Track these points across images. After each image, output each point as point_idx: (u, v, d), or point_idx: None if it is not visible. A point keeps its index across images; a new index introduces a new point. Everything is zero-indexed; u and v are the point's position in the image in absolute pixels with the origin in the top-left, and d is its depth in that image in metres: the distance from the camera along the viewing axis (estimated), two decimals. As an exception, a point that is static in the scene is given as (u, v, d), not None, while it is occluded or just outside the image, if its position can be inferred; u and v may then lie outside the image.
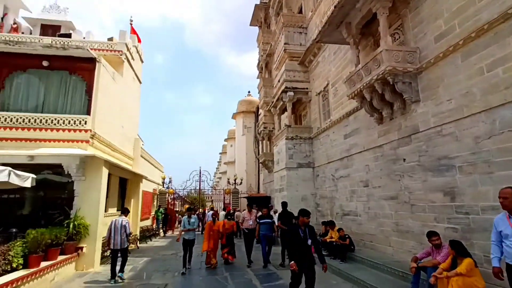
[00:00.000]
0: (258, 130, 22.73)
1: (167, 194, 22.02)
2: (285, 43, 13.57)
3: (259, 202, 15.83)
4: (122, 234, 7.30)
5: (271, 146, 19.03)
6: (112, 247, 7.31)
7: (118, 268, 7.44)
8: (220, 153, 58.03)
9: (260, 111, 21.39)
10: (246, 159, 27.22)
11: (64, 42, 12.25)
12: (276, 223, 9.61)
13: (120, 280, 7.30)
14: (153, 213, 19.10)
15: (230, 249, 9.66)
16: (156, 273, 8.18)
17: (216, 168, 67.82)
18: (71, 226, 8.05)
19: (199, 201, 28.73)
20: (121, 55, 13.13)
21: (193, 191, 28.32)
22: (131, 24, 15.16)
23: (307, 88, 13.61)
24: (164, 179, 22.67)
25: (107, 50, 13.04)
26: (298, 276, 4.73)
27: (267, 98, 18.23)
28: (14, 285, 5.59)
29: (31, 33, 14.68)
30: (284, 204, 9.61)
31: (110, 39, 14.19)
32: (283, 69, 13.84)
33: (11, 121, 9.09)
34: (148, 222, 17.38)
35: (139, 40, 15.52)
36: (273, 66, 17.06)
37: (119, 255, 7.42)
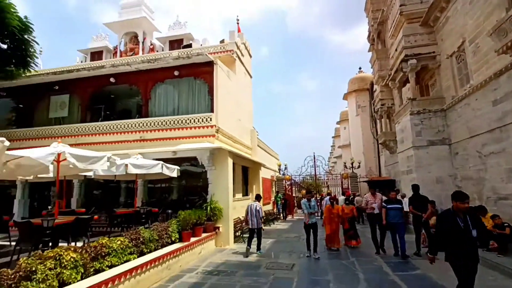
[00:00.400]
0: (374, 109, 20.84)
1: (283, 180, 22.98)
2: (400, 5, 11.81)
3: (382, 186, 14.60)
4: (258, 217, 8.53)
5: (391, 124, 17.14)
6: (250, 227, 8.65)
7: (252, 246, 8.49)
8: (333, 137, 56.45)
9: (375, 87, 19.50)
10: (362, 140, 25.46)
11: (187, 52, 14.25)
12: (406, 209, 8.60)
13: (257, 255, 8.39)
14: (272, 198, 20.33)
15: (353, 233, 9.30)
16: (282, 253, 8.67)
17: (330, 152, 66.30)
18: (208, 209, 9.42)
19: (315, 187, 28.77)
20: (232, 54, 14.29)
21: (308, 177, 28.55)
22: (237, 23, 16.29)
23: (433, 52, 11.50)
24: (280, 166, 23.74)
25: (220, 52, 14.43)
26: (465, 278, 3.69)
27: (383, 71, 16.40)
28: (175, 254, 6.98)
29: (162, 50, 17.71)
30: (416, 187, 8.44)
31: (222, 41, 15.64)
32: (400, 35, 12.09)
33: (157, 124, 11.26)
34: (269, 207, 18.63)
35: (240, 30, 16.25)
36: (387, 34, 15.16)
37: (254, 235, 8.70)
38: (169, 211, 9.07)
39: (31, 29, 11.26)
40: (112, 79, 12.19)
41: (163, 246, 6.97)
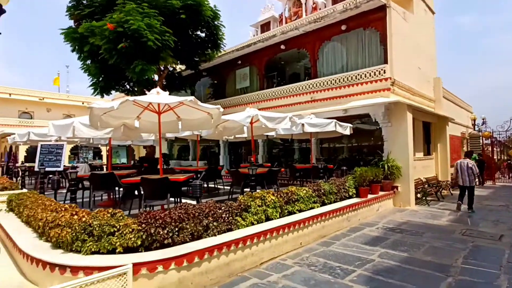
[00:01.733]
0: None
1: (480, 137, 18.49)
2: None
3: None
4: (470, 175, 8.28)
5: None
6: (460, 184, 8.50)
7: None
8: None
9: None
10: None
11: (354, 1, 13.23)
12: None
13: (469, 214, 8.20)
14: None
15: None
16: (483, 221, 7.29)
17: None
18: (385, 167, 8.99)
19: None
20: (408, -10, 12.11)
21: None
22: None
23: None
24: (474, 120, 19.17)
25: (393, -8, 12.50)
26: None
27: None
28: (354, 208, 7.25)
29: (325, 6, 17.19)
30: None
31: (393, -22, 13.43)
32: None
33: (327, 83, 11.40)
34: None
35: None
36: None
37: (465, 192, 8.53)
38: (344, 167, 9.32)
39: (219, 16, 13.68)
40: (282, 46, 13.18)
41: (341, 199, 7.37)
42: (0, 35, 2.86)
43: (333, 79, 11.23)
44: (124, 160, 26.02)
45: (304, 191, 6.34)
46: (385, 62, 9.96)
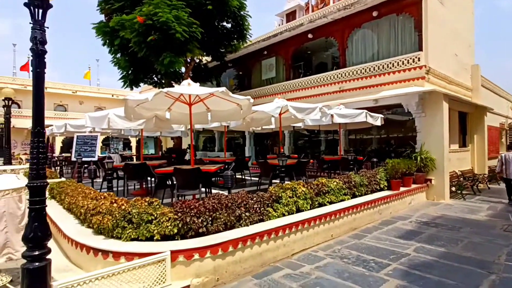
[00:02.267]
0: None
1: (521, 128, 17.27)
2: None
3: None
4: None
5: None
6: (504, 177, 8.49)
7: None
8: None
9: None
10: None
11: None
12: None
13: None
14: (501, 152, 15.85)
15: None
16: (527, 219, 6.83)
17: None
18: (418, 159, 8.63)
19: None
20: (445, -29, 11.33)
21: None
22: None
23: None
24: (514, 110, 17.90)
25: (428, -26, 11.75)
26: None
27: None
28: (385, 201, 7.05)
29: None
30: None
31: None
32: None
33: (357, 73, 11.02)
34: (495, 162, 14.71)
35: None
36: None
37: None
38: (375, 159, 9.05)
39: (245, 6, 13.53)
40: (309, 35, 12.86)
41: (372, 191, 7.19)
42: (48, 29, 2.95)
43: (363, 68, 10.83)
44: (152, 151, 26.93)
45: (335, 183, 6.24)
46: (420, 49, 9.44)
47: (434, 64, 9.59)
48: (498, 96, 16.28)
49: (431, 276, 3.92)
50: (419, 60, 9.33)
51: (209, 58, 16.38)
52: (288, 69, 14.47)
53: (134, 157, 17.70)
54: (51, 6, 2.89)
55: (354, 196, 6.60)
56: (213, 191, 6.90)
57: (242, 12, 13.68)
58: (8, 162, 8.91)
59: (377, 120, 8.88)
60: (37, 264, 2.59)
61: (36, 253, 2.61)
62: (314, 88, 12.66)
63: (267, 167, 7.90)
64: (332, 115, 8.50)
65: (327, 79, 12.08)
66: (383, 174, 7.69)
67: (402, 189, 7.83)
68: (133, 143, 27.47)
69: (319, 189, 5.86)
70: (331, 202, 5.95)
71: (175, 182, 5.97)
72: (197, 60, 15.83)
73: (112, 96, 32.11)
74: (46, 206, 2.78)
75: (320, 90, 12.35)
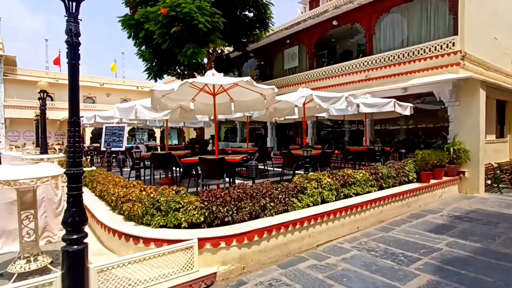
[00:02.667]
0: None
1: None
2: None
3: None
4: None
5: None
6: None
7: None
8: None
9: None
10: None
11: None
12: None
13: None
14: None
15: None
16: None
17: None
18: (451, 150, 8.21)
19: None
20: None
21: None
22: None
23: None
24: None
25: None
26: None
27: None
28: (414, 193, 6.79)
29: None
30: None
31: None
32: None
33: (384, 60, 10.57)
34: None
35: None
36: None
37: None
38: (403, 150, 8.71)
39: (267, -7, 13.28)
40: (334, 22, 12.44)
41: (400, 184, 6.94)
42: (81, 21, 3.00)
43: (391, 55, 10.35)
44: (175, 142, 27.54)
45: (361, 174, 6.08)
46: (455, 33, 8.84)
47: (470, 49, 8.98)
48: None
49: (466, 272, 3.74)
50: (453, 45, 8.76)
51: (231, 49, 16.33)
52: (311, 58, 14.14)
53: (159, 147, 18.17)
54: (84, -2, 2.94)
55: (381, 188, 6.41)
56: (237, 181, 6.96)
57: (264, 1, 13.46)
58: (44, 151, 9.43)
59: (406, 109, 8.51)
60: (75, 247, 2.71)
61: (75, 236, 2.73)
62: (338, 77, 12.31)
63: (291, 157, 7.83)
64: (358, 105, 8.23)
65: (352, 68, 11.68)
66: (412, 166, 7.39)
67: (432, 181, 7.50)
68: (157, 134, 28.17)
69: (345, 180, 5.73)
70: (357, 194, 5.81)
71: (199, 172, 6.06)
72: (219, 51, 15.83)
73: (137, 88, 32.95)
74: (83, 192, 2.89)
75: (345, 79, 11.98)
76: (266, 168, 10.64)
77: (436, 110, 10.22)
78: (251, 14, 14.24)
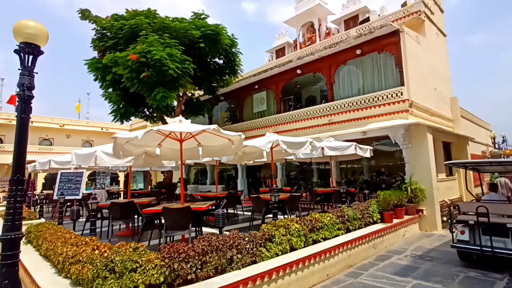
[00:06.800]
0: None
1: (502, 156, 17.80)
2: None
3: None
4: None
5: None
6: None
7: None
8: None
9: None
10: None
11: (368, 27, 13.44)
12: None
13: None
14: (486, 179, 16.19)
15: None
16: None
17: None
18: (409, 190, 8.68)
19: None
20: (419, 15, 12.22)
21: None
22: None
23: None
24: (494, 138, 18.58)
25: (404, 17, 12.72)
26: None
27: None
28: (379, 234, 6.94)
29: (338, 32, 17.53)
30: None
31: (404, 4, 13.69)
32: None
33: (344, 106, 11.36)
34: (479, 190, 14.94)
35: None
36: None
37: None
38: (366, 191, 9.05)
39: (236, 43, 14.13)
40: (298, 71, 13.36)
41: (366, 225, 7.09)
42: (37, 74, 2.95)
43: (350, 102, 11.19)
44: (141, 185, 26.21)
45: (328, 218, 6.14)
46: (402, 84, 9.90)
47: (416, 98, 10.01)
48: (477, 126, 16.97)
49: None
50: (401, 94, 9.74)
51: (201, 92, 16.70)
52: (278, 103, 14.82)
53: (122, 192, 17.18)
54: (42, 53, 2.91)
55: (348, 230, 6.49)
56: (204, 229, 6.69)
57: (233, 50, 14.25)
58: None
59: (366, 152, 9.01)
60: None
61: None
62: (304, 121, 12.91)
63: (260, 202, 7.77)
64: (322, 148, 8.58)
65: (316, 112, 12.38)
66: (376, 207, 7.65)
67: (395, 221, 7.76)
68: (121, 178, 26.81)
69: (313, 225, 5.74)
70: (325, 238, 5.81)
71: (164, 221, 5.76)
72: (190, 94, 16.11)
73: (102, 129, 31.88)
74: (19, 260, 2.57)
75: (310, 122, 12.60)
76: (235, 212, 10.41)
77: (393, 152, 10.96)
78: (221, 61, 14.92)
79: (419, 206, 8.93)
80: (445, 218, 9.40)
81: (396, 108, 9.86)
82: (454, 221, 6.02)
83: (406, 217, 8.31)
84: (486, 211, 5.30)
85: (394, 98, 9.93)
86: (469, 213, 5.84)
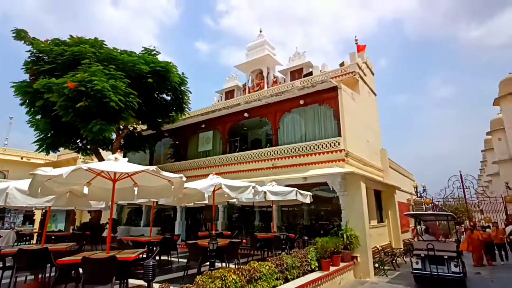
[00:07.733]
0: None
1: (423, 204, 19.95)
2: None
3: None
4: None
5: None
6: None
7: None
8: (483, 151, 45.64)
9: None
10: (533, 154, 19.63)
11: (311, 81, 14.71)
12: None
13: None
14: (411, 225, 17.81)
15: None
16: None
17: (481, 169, 53.61)
18: (344, 236, 9.03)
19: (465, 212, 23.72)
20: (354, 75, 13.90)
21: (452, 200, 23.85)
22: (356, 43, 15.87)
23: None
24: (416, 188, 20.84)
25: (342, 75, 14.29)
26: None
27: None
28: (317, 283, 6.93)
29: (284, 81, 18.86)
30: None
31: (342, 64, 15.50)
32: None
33: (288, 151, 11.85)
34: (408, 235, 16.35)
35: (359, 50, 15.66)
36: None
37: None
38: (305, 237, 9.18)
39: (186, 82, 14.16)
40: (246, 114, 13.79)
41: (304, 273, 7.05)
42: None
43: (293, 148, 11.74)
44: (61, 226, 22.71)
45: (267, 267, 5.97)
46: (339, 135, 10.81)
47: (351, 148, 10.94)
48: (403, 176, 19.02)
49: None
50: (339, 144, 10.57)
51: (144, 126, 16.00)
52: (224, 143, 14.87)
53: (36, 234, 14.73)
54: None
55: (286, 280, 6.36)
56: (131, 281, 5.96)
57: (182, 88, 14.20)
58: None
59: (306, 198, 9.31)
60: None
61: None
62: (249, 163, 13.04)
63: (197, 250, 7.29)
64: (265, 192, 8.63)
65: (261, 156, 12.66)
66: (314, 254, 7.73)
67: (332, 268, 7.89)
68: (38, 216, 23.00)
69: (251, 276, 5.50)
70: (263, 290, 5.58)
71: (82, 273, 4.98)
72: (131, 128, 15.29)
73: (22, 159, 27.97)
74: None
75: (255, 165, 12.77)
76: (170, 259, 9.55)
77: (331, 198, 11.50)
78: (168, 98, 14.66)
79: (354, 252, 9.29)
80: (377, 265, 9.89)
81: (334, 156, 10.60)
82: (413, 254, 8.40)
83: (342, 264, 8.52)
84: (433, 247, 7.84)
85: (332, 147, 10.71)
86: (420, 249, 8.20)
